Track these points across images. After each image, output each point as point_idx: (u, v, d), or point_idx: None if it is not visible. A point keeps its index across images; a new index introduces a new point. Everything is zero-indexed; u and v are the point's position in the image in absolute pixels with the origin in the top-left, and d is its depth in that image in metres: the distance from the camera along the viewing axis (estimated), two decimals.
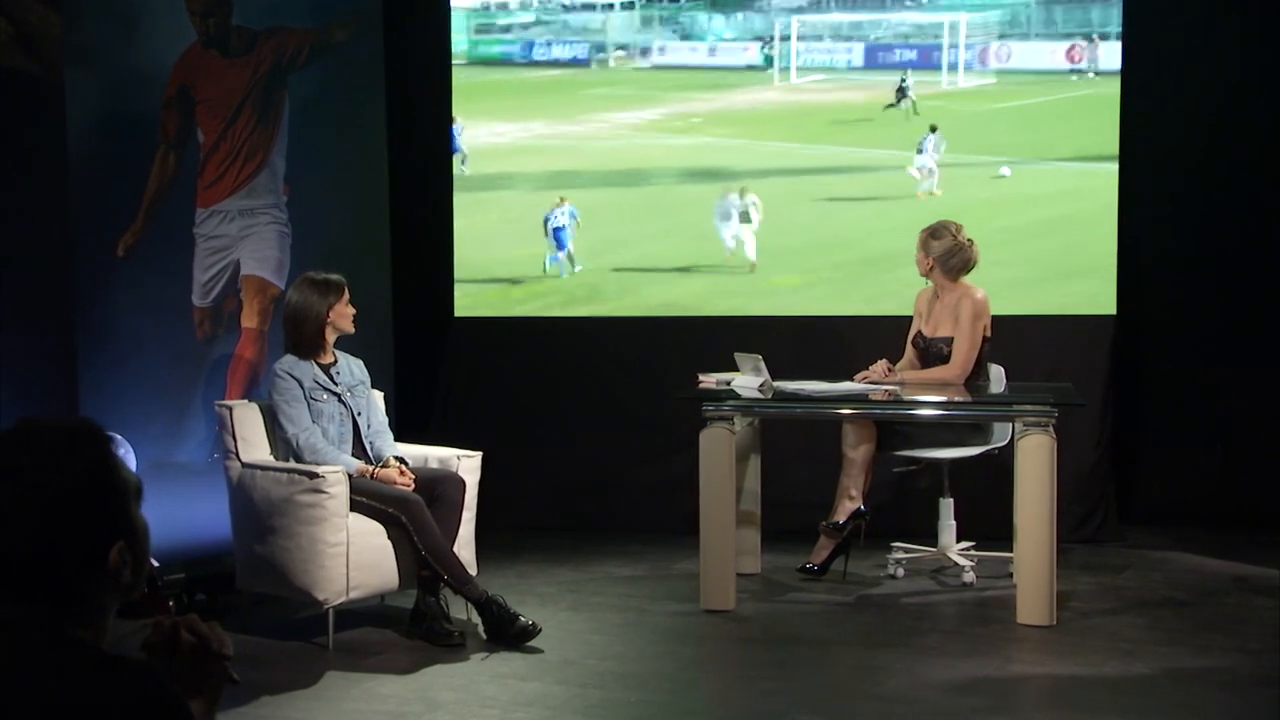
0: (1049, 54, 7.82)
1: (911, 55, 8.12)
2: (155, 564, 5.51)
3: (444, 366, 8.16)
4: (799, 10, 8.22)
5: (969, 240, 6.37)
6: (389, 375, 6.95)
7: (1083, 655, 5.33)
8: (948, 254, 6.35)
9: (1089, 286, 7.50)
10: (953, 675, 5.09)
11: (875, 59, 8.15)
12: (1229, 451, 7.60)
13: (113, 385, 5.94)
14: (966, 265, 6.37)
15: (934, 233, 6.39)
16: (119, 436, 6.00)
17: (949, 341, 6.39)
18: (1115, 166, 7.46)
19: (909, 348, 6.60)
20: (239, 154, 6.52)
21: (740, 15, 8.33)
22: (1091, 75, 7.70)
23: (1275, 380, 7.51)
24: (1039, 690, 5.04)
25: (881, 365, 6.42)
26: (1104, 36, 7.58)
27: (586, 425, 7.97)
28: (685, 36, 8.37)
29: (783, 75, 8.21)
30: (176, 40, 6.28)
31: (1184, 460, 7.70)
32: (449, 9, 8.10)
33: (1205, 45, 7.52)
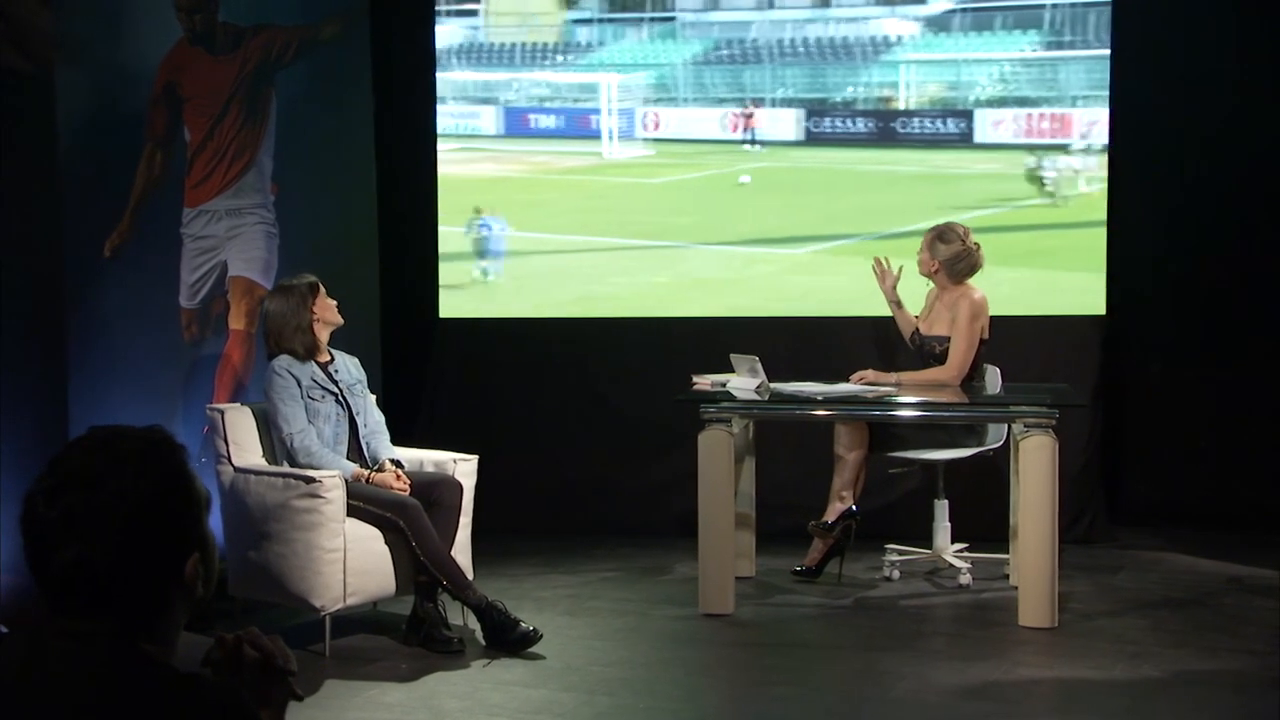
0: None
1: None
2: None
3: (429, 368, 8.07)
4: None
5: (976, 244, 6.34)
6: (377, 377, 6.85)
7: (1089, 658, 5.30)
8: (955, 259, 6.32)
9: (1079, 287, 7.48)
10: (962, 679, 5.05)
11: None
12: (1217, 452, 7.60)
13: (99, 388, 5.81)
14: (972, 270, 6.35)
15: (941, 236, 6.34)
16: None
17: (943, 341, 6.36)
18: (1105, 167, 7.44)
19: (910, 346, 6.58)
20: (226, 153, 6.41)
21: None
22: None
23: (1262, 381, 7.52)
24: (1051, 694, 5.01)
25: (869, 374, 6.38)
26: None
27: (575, 427, 7.89)
28: None
29: None
30: (163, 37, 6.16)
31: (1171, 460, 7.69)
32: (434, 5, 8.00)
33: (1198, 45, 7.51)
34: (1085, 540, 7.30)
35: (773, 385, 6.20)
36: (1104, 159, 7.42)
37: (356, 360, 5.89)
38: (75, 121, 5.73)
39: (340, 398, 5.70)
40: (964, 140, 7.78)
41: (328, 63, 7.03)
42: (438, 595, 5.50)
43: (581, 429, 7.88)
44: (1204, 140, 7.54)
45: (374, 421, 5.85)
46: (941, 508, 6.49)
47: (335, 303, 5.72)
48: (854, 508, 6.33)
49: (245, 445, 5.67)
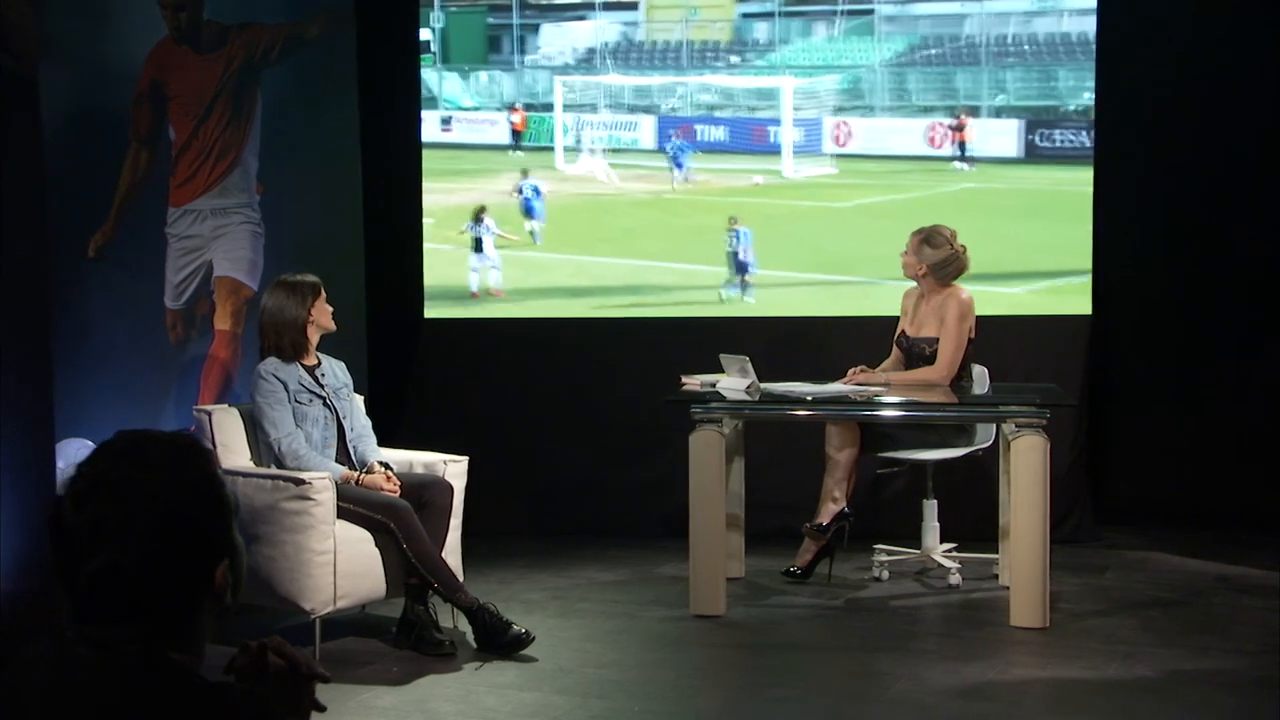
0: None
1: None
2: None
3: (414, 369, 8.02)
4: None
5: (963, 246, 6.33)
6: (363, 378, 6.80)
7: (1082, 658, 5.30)
8: (942, 263, 6.30)
9: (1065, 287, 7.49)
10: (957, 680, 5.04)
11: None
12: (1201, 452, 7.62)
13: (84, 390, 5.76)
14: (959, 272, 6.34)
15: (929, 239, 6.32)
16: (90, 442, 5.84)
17: (932, 342, 6.35)
18: (1090, 169, 7.45)
19: (894, 347, 6.55)
20: (211, 152, 6.36)
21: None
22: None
23: (1246, 381, 7.54)
24: (1046, 694, 5.01)
25: (860, 374, 6.37)
26: None
27: (559, 428, 7.85)
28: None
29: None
30: (148, 34, 6.11)
31: (1155, 460, 7.71)
32: (418, 3, 7.95)
33: (1183, 45, 7.52)
34: (1071, 540, 7.30)
35: (763, 385, 6.18)
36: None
37: (343, 364, 5.84)
38: (60, 120, 5.67)
39: (327, 402, 5.65)
40: None
41: (313, 62, 6.98)
42: (429, 598, 5.46)
43: (566, 430, 7.84)
44: (1189, 142, 7.55)
45: (361, 425, 5.81)
46: (931, 508, 6.48)
47: (332, 309, 5.67)
48: (846, 509, 6.32)
49: (233, 447, 5.62)
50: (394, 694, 4.94)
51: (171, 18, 6.18)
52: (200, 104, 6.33)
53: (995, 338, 6.81)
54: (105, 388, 5.85)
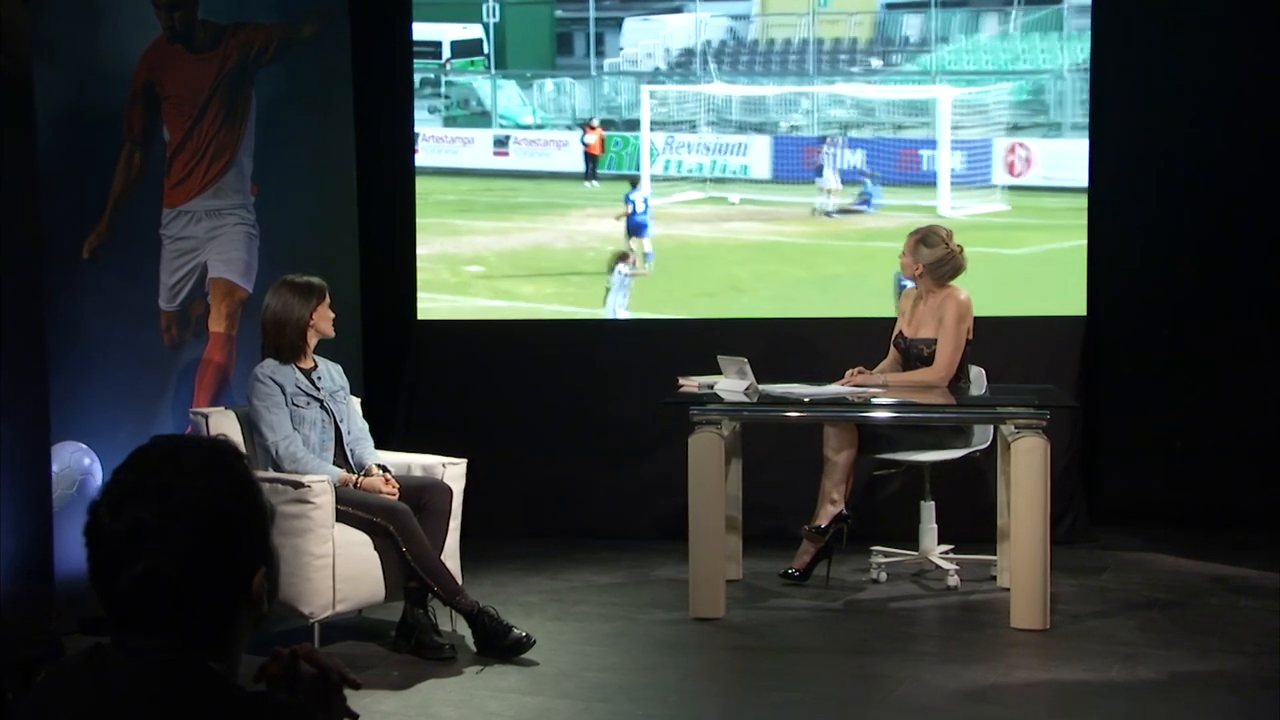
0: None
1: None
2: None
3: (407, 370, 7.98)
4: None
5: (959, 247, 6.32)
6: (358, 380, 6.76)
7: (1084, 660, 5.29)
8: (939, 262, 6.29)
9: (1060, 288, 7.48)
10: (960, 683, 5.02)
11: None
12: (1194, 453, 7.62)
13: (78, 393, 5.72)
14: (956, 272, 6.32)
15: (925, 239, 6.31)
16: (85, 445, 5.80)
17: (930, 343, 6.34)
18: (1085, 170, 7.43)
19: (891, 348, 6.54)
20: (206, 152, 6.31)
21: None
22: None
23: (1239, 382, 7.55)
24: (1050, 697, 5.00)
25: (858, 376, 6.35)
26: None
27: (552, 430, 7.82)
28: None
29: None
30: (142, 34, 6.07)
31: (1148, 461, 7.71)
32: (411, 3, 7.90)
33: (1178, 47, 7.52)
34: (1066, 541, 7.29)
35: (761, 387, 6.16)
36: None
37: (339, 367, 5.81)
38: (53, 121, 5.63)
39: (324, 404, 5.61)
40: None
41: (308, 62, 6.94)
42: (428, 601, 5.42)
43: (560, 431, 7.81)
44: (1183, 145, 7.55)
45: (358, 428, 5.78)
46: (928, 509, 6.47)
47: (334, 315, 5.63)
48: (845, 511, 6.30)
49: None
50: (395, 699, 4.90)
51: (165, 17, 6.14)
52: (194, 104, 6.28)
53: (991, 338, 6.80)
54: (99, 390, 5.81)
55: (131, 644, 1.74)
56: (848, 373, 6.32)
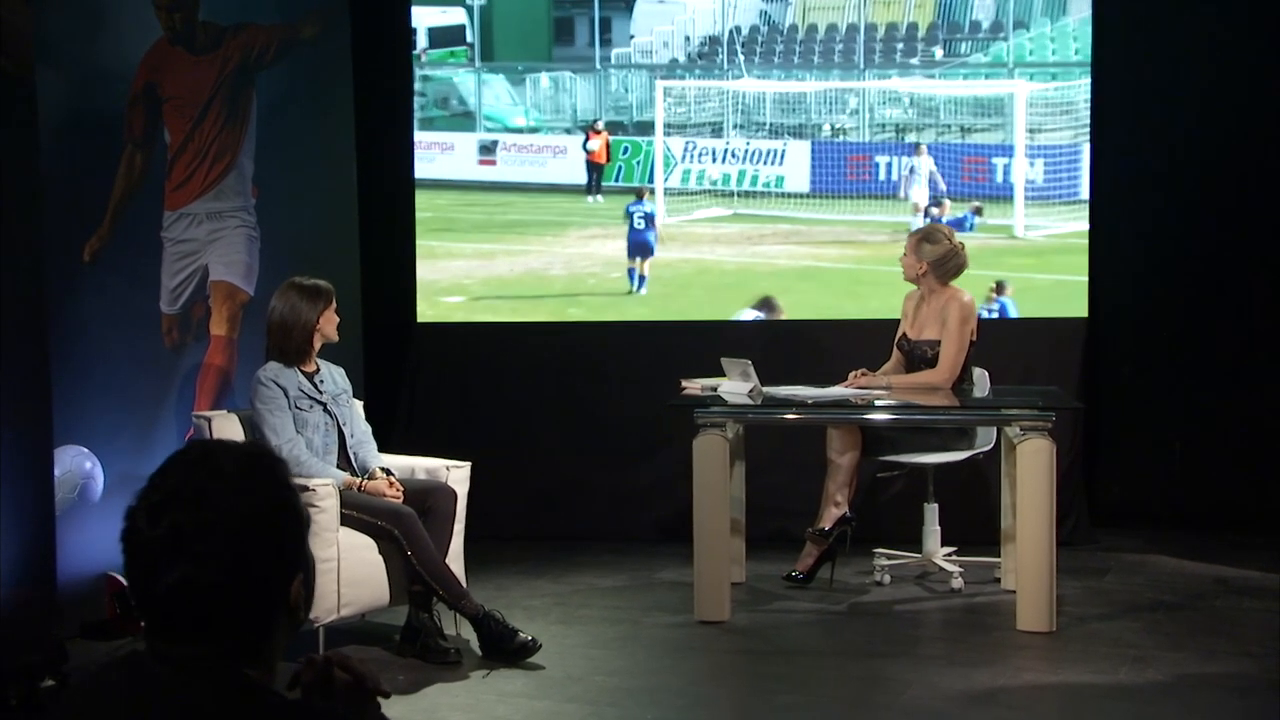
0: None
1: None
2: (126, 582, 5.27)
3: (407, 374, 7.94)
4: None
5: (960, 244, 6.32)
6: (359, 383, 6.73)
7: (1092, 663, 5.28)
8: (942, 259, 6.28)
9: (1060, 289, 7.48)
10: (968, 686, 5.01)
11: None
12: (1194, 454, 7.62)
13: (79, 396, 5.68)
14: (959, 270, 6.32)
15: (928, 237, 6.31)
16: (86, 449, 5.76)
17: (933, 344, 6.33)
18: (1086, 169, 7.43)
19: (894, 350, 6.53)
20: (207, 154, 6.28)
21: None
22: None
23: (1239, 384, 7.55)
24: (1059, 700, 4.98)
25: (861, 378, 6.34)
26: None
27: (553, 433, 7.79)
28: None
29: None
30: (143, 36, 6.03)
31: (1149, 462, 7.71)
32: (410, 3, 7.86)
33: (1178, 49, 7.52)
34: (1067, 543, 7.26)
35: (764, 389, 6.14)
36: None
37: (342, 370, 5.78)
38: (55, 123, 5.59)
39: (327, 408, 5.59)
40: None
41: (308, 63, 6.91)
42: (433, 605, 5.40)
43: (562, 434, 7.78)
44: (1184, 147, 7.55)
45: (361, 431, 5.75)
46: (932, 511, 6.46)
47: (339, 320, 5.61)
48: (848, 513, 6.29)
49: None
50: (402, 703, 4.87)
51: (167, 19, 6.11)
52: (195, 106, 6.25)
53: (993, 340, 6.80)
54: (101, 393, 5.77)
55: (168, 651, 1.72)
56: (851, 375, 6.31)
